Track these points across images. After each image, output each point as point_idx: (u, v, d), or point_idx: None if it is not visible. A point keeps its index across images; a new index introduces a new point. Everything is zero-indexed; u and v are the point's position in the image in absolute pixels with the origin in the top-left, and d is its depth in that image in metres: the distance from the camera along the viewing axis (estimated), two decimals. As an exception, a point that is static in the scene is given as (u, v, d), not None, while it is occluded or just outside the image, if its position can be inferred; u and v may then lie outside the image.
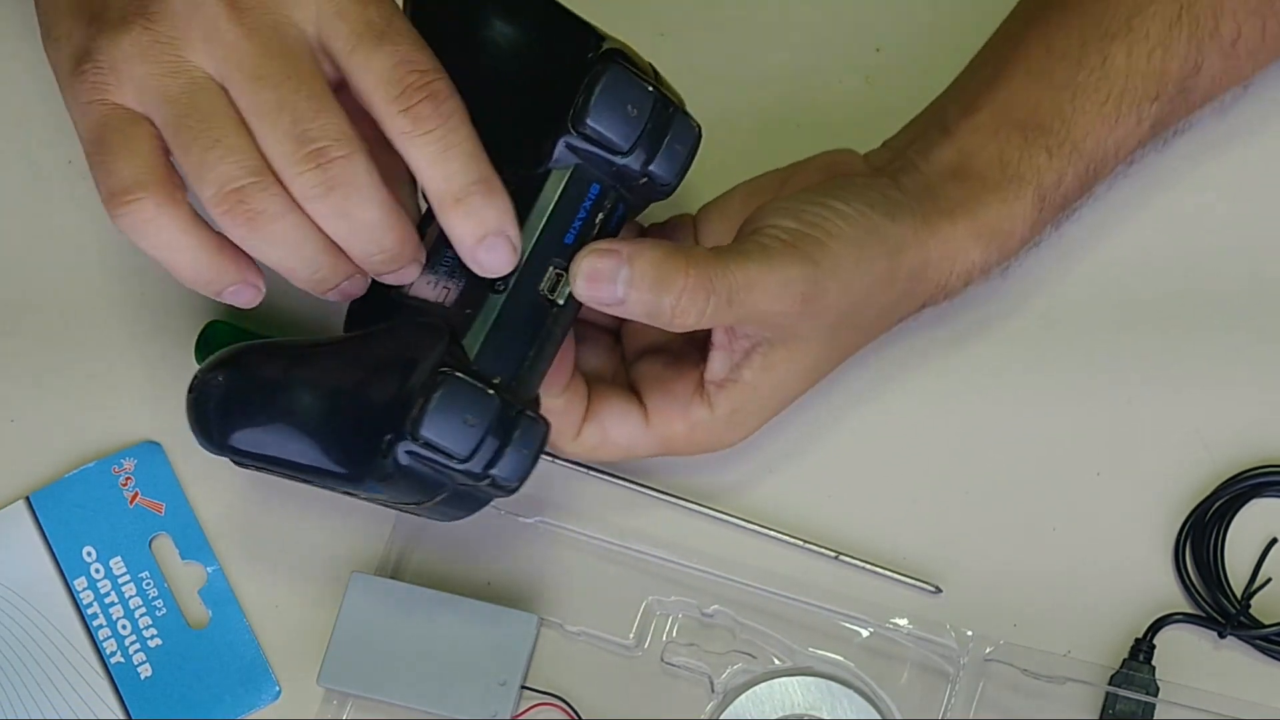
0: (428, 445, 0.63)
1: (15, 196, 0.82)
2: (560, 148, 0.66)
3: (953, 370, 0.76)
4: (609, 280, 0.65)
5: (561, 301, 0.67)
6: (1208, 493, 0.74)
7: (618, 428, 0.71)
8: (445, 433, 0.63)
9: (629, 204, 0.68)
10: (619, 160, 0.66)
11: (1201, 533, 0.74)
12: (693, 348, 0.72)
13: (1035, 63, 0.73)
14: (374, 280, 0.68)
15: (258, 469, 0.67)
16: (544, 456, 0.67)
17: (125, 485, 0.77)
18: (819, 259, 0.67)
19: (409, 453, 0.64)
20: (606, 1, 0.82)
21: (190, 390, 0.67)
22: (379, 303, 0.68)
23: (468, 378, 0.64)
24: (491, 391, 0.64)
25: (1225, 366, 0.76)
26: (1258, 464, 0.74)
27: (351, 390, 0.65)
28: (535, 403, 0.67)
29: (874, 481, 0.76)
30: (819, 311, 0.68)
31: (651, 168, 0.66)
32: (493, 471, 0.64)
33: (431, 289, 0.67)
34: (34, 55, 0.84)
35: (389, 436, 0.63)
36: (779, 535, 0.75)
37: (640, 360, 0.73)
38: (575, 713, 0.73)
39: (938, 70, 0.80)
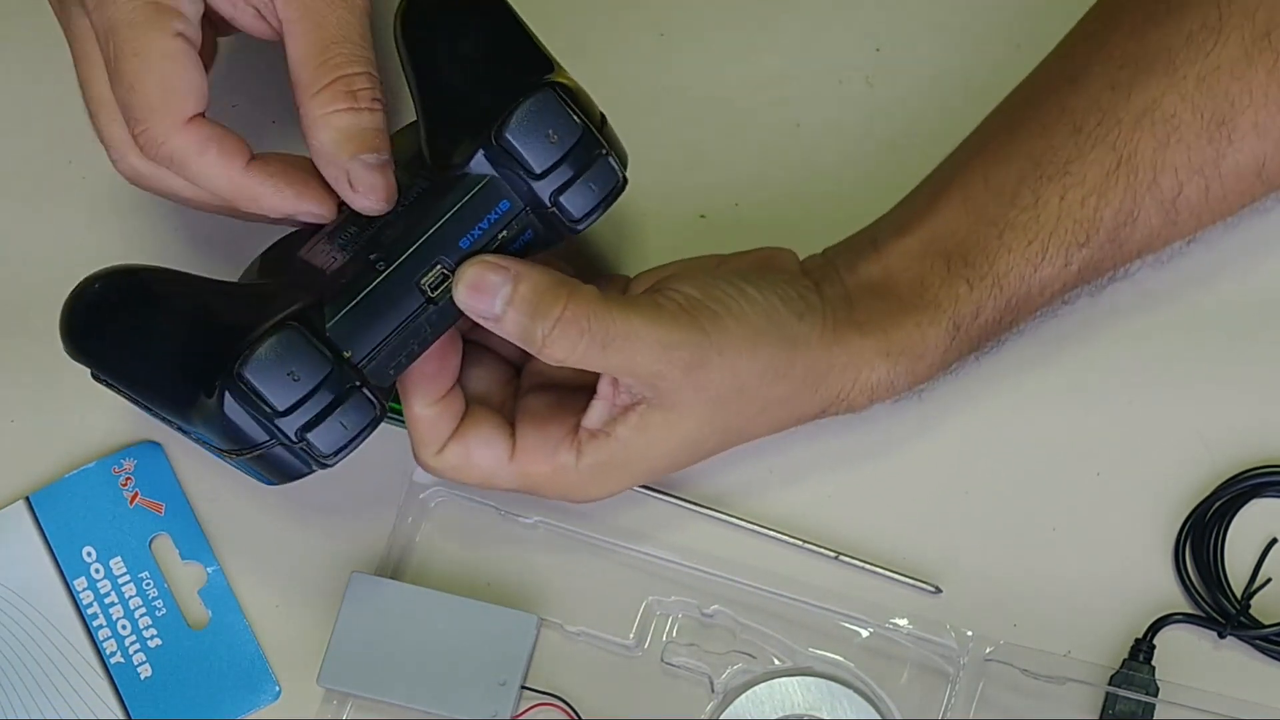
0: (248, 389, 0.64)
1: (15, 197, 0.82)
2: (479, 156, 0.67)
3: (952, 370, 0.75)
4: (490, 294, 0.66)
5: (439, 301, 0.67)
6: (1208, 493, 0.74)
7: (481, 452, 0.70)
8: (266, 380, 0.64)
9: (537, 233, 0.68)
10: (530, 182, 0.67)
11: (1201, 533, 0.74)
12: (582, 395, 0.71)
13: (971, 194, 0.72)
14: (290, 234, 0.71)
15: (108, 387, 0.69)
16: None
17: (125, 485, 0.77)
18: (709, 330, 0.68)
19: (232, 396, 0.64)
20: (607, 1, 0.82)
21: (72, 291, 0.69)
22: (279, 257, 0.70)
23: (307, 334, 0.65)
24: (329, 354, 0.65)
25: (1225, 366, 0.76)
26: (1258, 464, 0.74)
27: (199, 327, 0.67)
28: (384, 392, 0.67)
29: (874, 481, 0.76)
30: (701, 383, 0.68)
31: (561, 199, 0.67)
32: (308, 436, 0.65)
33: (322, 256, 0.68)
34: (34, 55, 0.84)
35: (219, 379, 0.64)
36: (779, 535, 0.75)
37: (528, 395, 0.73)
38: (575, 713, 0.73)
39: (938, 70, 0.80)
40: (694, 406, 0.69)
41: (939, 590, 0.74)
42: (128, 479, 0.77)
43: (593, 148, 0.67)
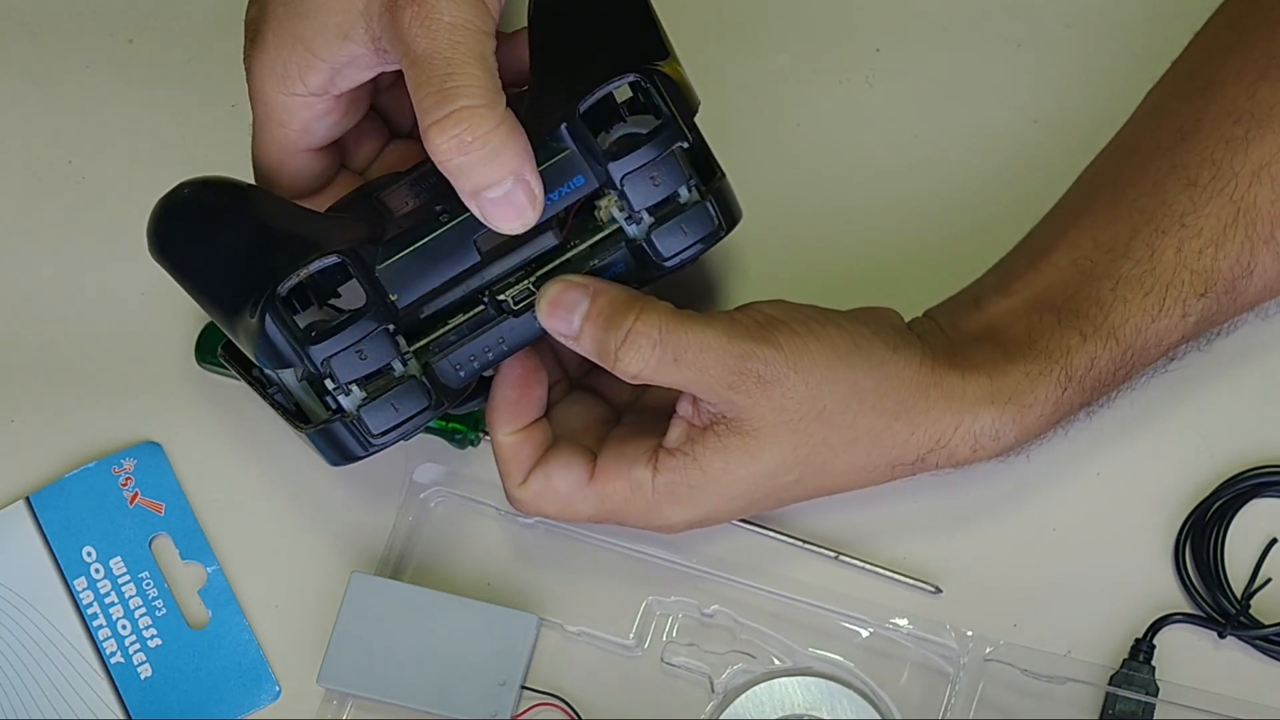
0: (325, 365, 0.66)
1: (16, 197, 0.82)
2: (566, 134, 0.67)
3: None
4: (568, 311, 0.67)
5: (519, 314, 0.68)
6: (1208, 493, 0.74)
7: (561, 476, 0.70)
8: (336, 356, 0.66)
9: (628, 266, 0.69)
10: (630, 222, 0.68)
11: (1201, 533, 0.74)
12: (667, 424, 0.70)
13: (1080, 254, 0.71)
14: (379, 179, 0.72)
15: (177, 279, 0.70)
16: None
17: (125, 485, 0.77)
18: (786, 347, 0.67)
19: (271, 317, 0.65)
20: (606, 1, 0.82)
21: (165, 193, 0.69)
22: (359, 197, 0.71)
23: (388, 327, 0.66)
24: (400, 345, 0.67)
25: (1226, 366, 0.76)
26: (1258, 464, 0.74)
27: (260, 241, 0.68)
28: (451, 393, 0.68)
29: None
30: (779, 403, 0.67)
31: (653, 236, 0.68)
32: (361, 413, 0.66)
33: (397, 199, 0.70)
34: (34, 54, 0.84)
35: (264, 297, 0.66)
36: (779, 535, 0.75)
37: (619, 426, 0.73)
38: (575, 713, 0.73)
39: (938, 70, 0.80)
40: (774, 431, 0.68)
41: (939, 590, 0.74)
42: (128, 479, 0.77)
43: (697, 199, 0.68)
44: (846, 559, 0.74)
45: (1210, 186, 0.70)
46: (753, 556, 0.74)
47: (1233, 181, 0.70)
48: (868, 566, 0.74)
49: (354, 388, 0.67)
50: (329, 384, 0.67)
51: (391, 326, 0.67)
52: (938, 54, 0.81)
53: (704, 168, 0.70)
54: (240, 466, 0.77)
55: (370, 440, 0.67)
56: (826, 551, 0.74)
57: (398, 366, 0.67)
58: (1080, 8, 0.81)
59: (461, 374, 0.68)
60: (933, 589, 0.74)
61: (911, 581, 0.74)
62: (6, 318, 0.80)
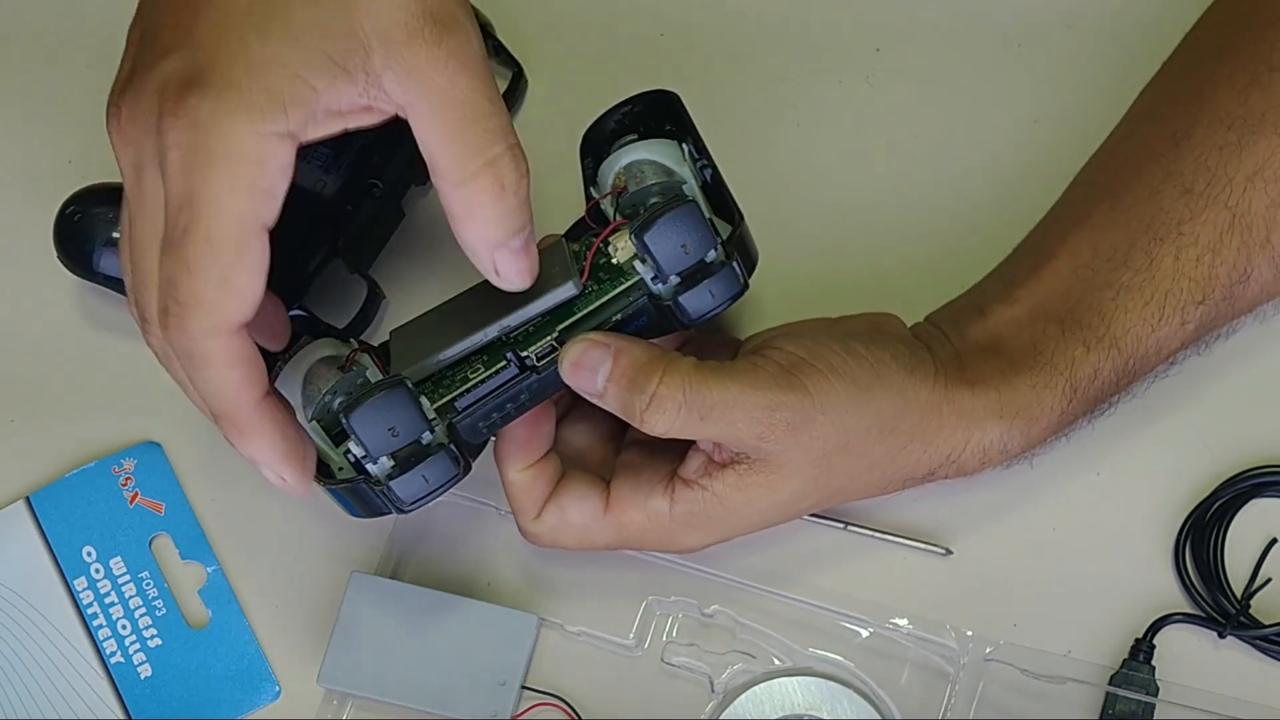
0: (349, 430, 0.65)
1: (16, 197, 0.82)
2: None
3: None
4: (591, 370, 0.66)
5: (542, 372, 0.67)
6: (1208, 493, 0.74)
7: (576, 508, 0.70)
8: (367, 429, 0.65)
9: (650, 320, 0.68)
10: (655, 281, 0.68)
11: (1201, 533, 0.74)
12: (680, 445, 0.70)
13: (1080, 262, 0.71)
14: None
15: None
16: None
17: (125, 485, 0.77)
18: (812, 389, 0.67)
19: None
20: (607, 1, 0.82)
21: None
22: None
23: (415, 395, 0.66)
24: (428, 418, 0.66)
25: (1225, 367, 0.76)
26: (1258, 464, 0.74)
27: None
28: (475, 448, 0.68)
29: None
30: (805, 443, 0.67)
31: (681, 299, 0.67)
32: (391, 484, 0.66)
33: (308, 176, 0.71)
34: (34, 56, 0.84)
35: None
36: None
37: (626, 450, 0.72)
38: (575, 713, 0.73)
39: (938, 70, 0.80)
40: (799, 467, 0.68)
41: (949, 552, 0.74)
42: (128, 479, 0.77)
43: (722, 257, 0.67)
44: (855, 528, 0.74)
45: (1206, 193, 0.70)
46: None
47: (1227, 188, 0.70)
48: (876, 534, 0.74)
49: (383, 457, 0.66)
50: (355, 449, 0.66)
51: (414, 388, 0.66)
52: (938, 54, 0.81)
53: (721, 209, 0.70)
54: (240, 466, 0.77)
55: (402, 508, 0.67)
56: (835, 523, 0.74)
57: (426, 436, 0.66)
58: (1080, 8, 0.81)
59: (485, 431, 0.68)
60: (943, 551, 0.74)
61: (921, 545, 0.74)
62: (6, 317, 0.80)
